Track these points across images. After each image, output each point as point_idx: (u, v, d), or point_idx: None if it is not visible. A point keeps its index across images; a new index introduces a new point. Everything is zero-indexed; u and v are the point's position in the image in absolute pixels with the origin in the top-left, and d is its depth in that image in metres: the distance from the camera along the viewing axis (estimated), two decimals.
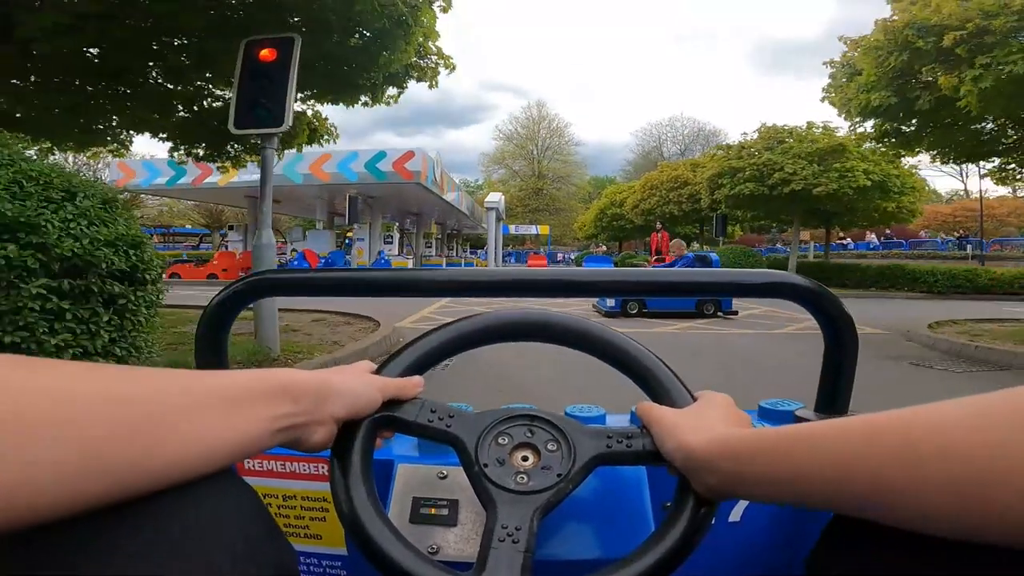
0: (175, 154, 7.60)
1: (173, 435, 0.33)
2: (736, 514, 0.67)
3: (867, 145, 7.95)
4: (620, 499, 0.63)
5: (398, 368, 0.55)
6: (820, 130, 15.50)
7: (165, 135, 7.16)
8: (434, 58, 6.18)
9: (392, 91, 6.67)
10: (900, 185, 14.85)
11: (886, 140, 7.52)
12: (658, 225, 14.49)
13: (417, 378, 0.54)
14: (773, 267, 1.05)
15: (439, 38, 5.96)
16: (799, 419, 0.68)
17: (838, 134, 15.11)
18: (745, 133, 17.23)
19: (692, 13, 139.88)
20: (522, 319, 0.59)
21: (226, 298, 0.64)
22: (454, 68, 6.32)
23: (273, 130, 4.25)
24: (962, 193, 48.14)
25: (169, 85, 6.04)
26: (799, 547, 0.65)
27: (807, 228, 19.37)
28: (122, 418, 0.31)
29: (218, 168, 8.07)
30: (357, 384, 0.48)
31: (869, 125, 7.52)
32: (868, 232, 34.32)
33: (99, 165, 25.40)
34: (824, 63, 7.63)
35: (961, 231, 35.18)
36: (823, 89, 7.73)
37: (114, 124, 7.14)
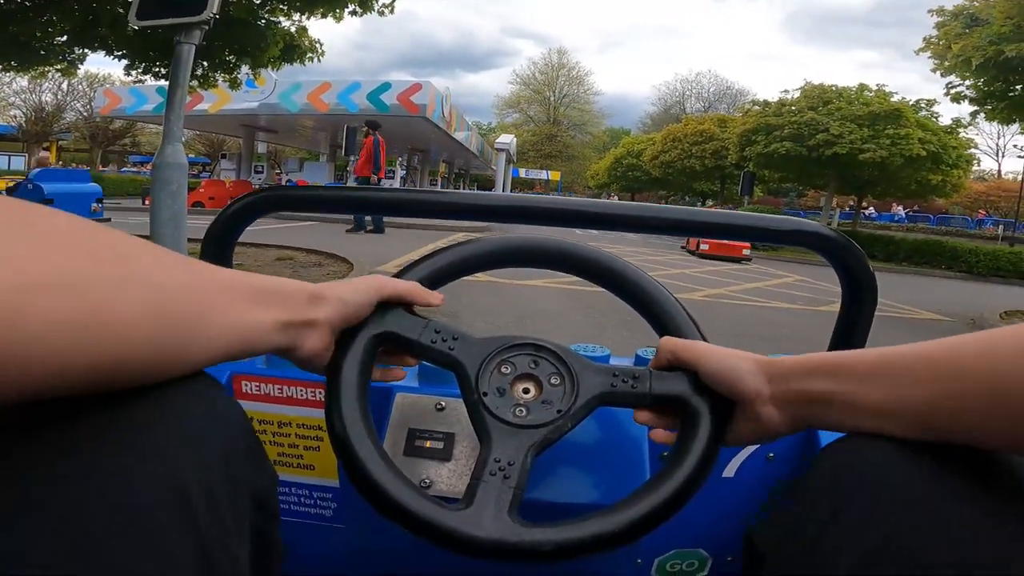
0: (133, 73, 6.40)
1: (209, 323, 0.34)
2: (731, 469, 0.66)
3: (963, 107, 6.69)
4: (618, 447, 0.62)
5: (414, 277, 0.53)
6: (873, 93, 14.00)
7: (121, 53, 5.95)
8: None
9: None
10: (955, 157, 13.47)
11: (991, 102, 6.37)
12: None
13: (437, 293, 0.51)
14: None
15: None
16: None
17: (893, 99, 13.65)
18: (786, 91, 15.69)
19: None
20: (540, 245, 0.58)
21: (235, 211, 0.63)
22: None
23: (189, 19, 3.08)
24: (994, 173, 46.37)
25: None
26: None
27: (839, 195, 18.08)
28: (129, 293, 0.30)
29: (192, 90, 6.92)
30: (349, 289, 0.46)
31: (967, 85, 6.36)
32: (894, 204, 32.91)
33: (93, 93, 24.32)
34: (929, 11, 6.47)
35: (985, 210, 33.77)
36: (924, 40, 6.62)
37: (55, 41, 5.92)
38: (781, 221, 0.64)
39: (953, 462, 0.34)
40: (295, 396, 0.66)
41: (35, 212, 0.28)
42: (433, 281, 0.54)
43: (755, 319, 5.60)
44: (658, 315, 0.55)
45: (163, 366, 0.32)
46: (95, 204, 8.58)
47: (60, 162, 32.39)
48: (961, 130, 13.87)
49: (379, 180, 9.97)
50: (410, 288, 0.49)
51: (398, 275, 0.53)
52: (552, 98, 56.68)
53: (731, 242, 9.48)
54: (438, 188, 29.46)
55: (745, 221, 0.65)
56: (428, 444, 0.60)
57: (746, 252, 11.25)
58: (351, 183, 10.16)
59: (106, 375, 0.29)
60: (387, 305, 0.49)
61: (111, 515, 0.26)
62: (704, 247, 11.17)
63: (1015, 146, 30.99)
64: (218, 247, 0.64)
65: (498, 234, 0.59)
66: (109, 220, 8.33)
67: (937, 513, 0.31)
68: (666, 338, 0.51)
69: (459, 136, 21.90)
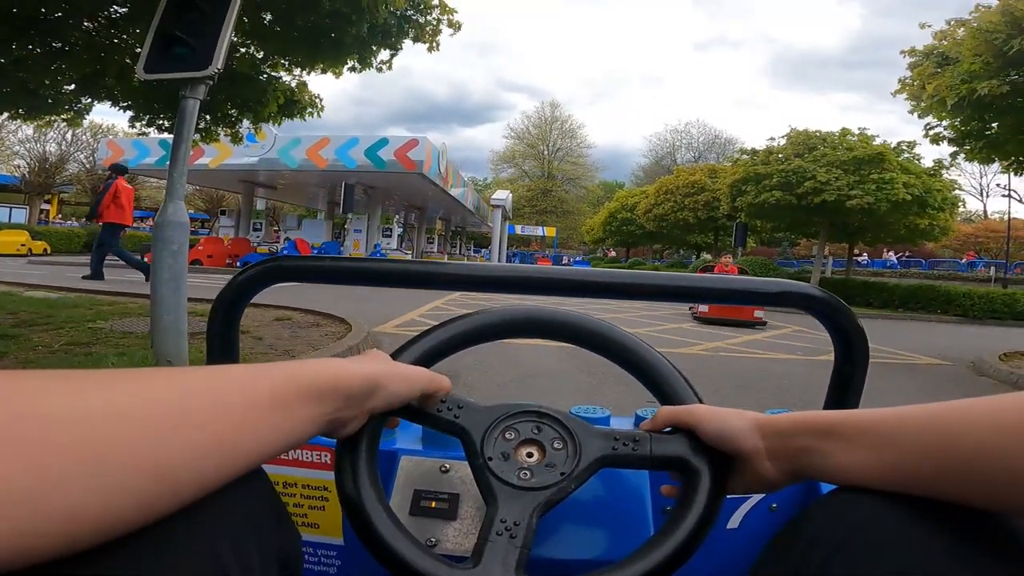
0: (137, 125, 6.55)
1: (234, 448, 0.33)
2: (735, 521, 0.67)
3: (943, 147, 6.84)
4: (621, 502, 0.63)
5: (411, 357, 0.54)
6: (856, 138, 14.36)
7: (127, 104, 6.12)
8: (436, 13, 5.11)
9: (385, 55, 5.62)
10: (940, 200, 13.71)
11: (969, 142, 6.49)
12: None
13: (446, 379, 0.52)
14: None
15: None
16: None
17: (875, 142, 14.01)
18: (772, 138, 16.08)
19: (710, 22, 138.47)
20: (538, 316, 0.59)
21: (242, 282, 0.63)
22: (459, 27, 5.26)
23: (194, 74, 3.16)
24: (980, 214, 47.23)
25: (105, 40, 4.96)
26: None
27: (831, 243, 18.28)
28: (189, 440, 0.31)
29: (194, 145, 7.06)
30: (404, 384, 0.47)
31: (944, 125, 6.49)
32: (885, 250, 33.30)
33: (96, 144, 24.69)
34: (901, 52, 6.64)
35: (974, 251, 34.16)
36: (899, 81, 6.73)
37: (63, 90, 6.09)
38: (769, 284, 0.65)
39: (940, 517, 0.35)
40: (301, 459, 0.68)
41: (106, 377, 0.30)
42: (432, 358, 0.56)
43: (759, 371, 5.57)
44: (655, 380, 0.56)
45: (215, 486, 0.33)
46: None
47: (60, 215, 32.67)
48: (943, 171, 14.13)
49: (97, 222, 9.62)
50: (437, 383, 0.50)
51: (400, 351, 0.55)
52: (546, 152, 58.08)
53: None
54: (435, 248, 29.71)
55: (733, 285, 0.66)
56: (433, 504, 0.62)
57: (759, 314, 9.29)
58: (100, 232, 9.65)
59: (170, 507, 0.30)
60: None
61: None
62: (703, 308, 9.31)
63: (998, 185, 31.61)
64: (227, 316, 0.65)
65: (497, 306, 0.61)
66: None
67: (921, 569, 0.32)
68: (663, 408, 0.53)
69: (455, 192, 22.25)
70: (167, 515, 0.30)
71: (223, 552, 0.31)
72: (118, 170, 9.72)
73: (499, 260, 28.24)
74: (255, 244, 18.97)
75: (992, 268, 25.79)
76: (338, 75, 5.88)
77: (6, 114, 6.72)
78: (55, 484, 0.25)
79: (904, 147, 14.42)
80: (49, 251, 22.05)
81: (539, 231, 48.84)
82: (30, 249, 20.36)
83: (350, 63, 5.66)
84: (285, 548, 0.38)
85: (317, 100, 6.66)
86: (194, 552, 0.30)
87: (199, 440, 0.31)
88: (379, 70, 5.86)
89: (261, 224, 21.39)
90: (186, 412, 0.31)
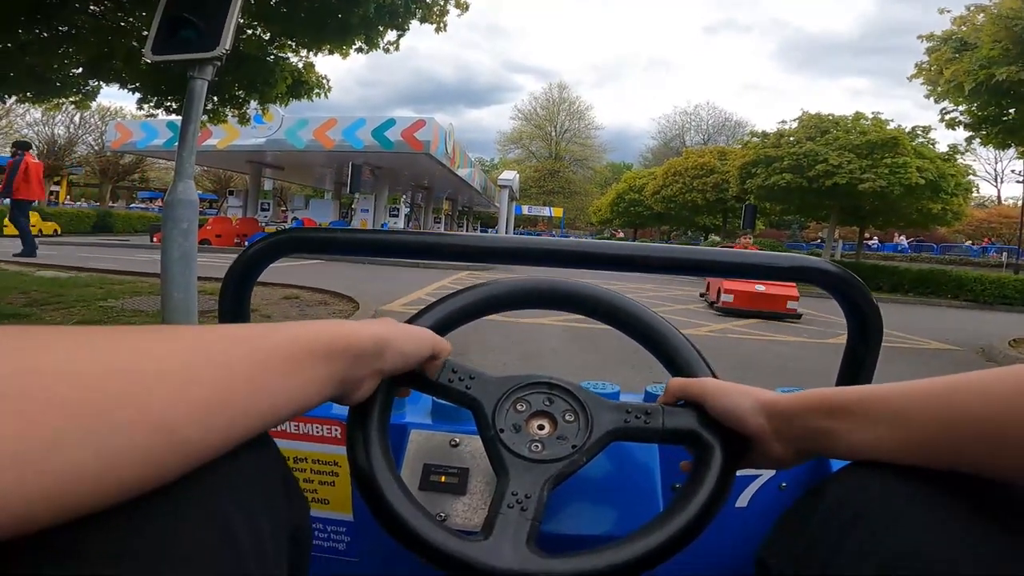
0: (145, 107, 6.53)
1: (243, 407, 0.32)
2: (744, 499, 0.67)
3: (959, 132, 6.74)
4: (631, 478, 0.63)
5: (428, 322, 0.53)
6: (869, 122, 14.15)
7: (135, 86, 6.10)
8: None
9: (391, 35, 5.55)
10: (953, 185, 13.53)
11: (985, 127, 6.39)
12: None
13: (447, 343, 0.51)
14: None
15: None
16: None
17: (890, 126, 13.80)
18: (784, 121, 15.88)
19: (719, 6, 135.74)
20: (552, 288, 0.59)
21: (253, 254, 0.63)
22: (466, 7, 5.19)
23: (203, 55, 3.14)
24: (994, 199, 46.61)
25: (112, 22, 4.93)
26: None
27: (842, 226, 18.13)
28: (196, 397, 0.30)
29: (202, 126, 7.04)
30: (412, 343, 0.46)
31: (960, 111, 6.38)
32: (896, 234, 32.97)
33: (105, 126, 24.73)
34: (919, 37, 6.50)
35: (989, 237, 33.78)
36: (916, 66, 6.62)
37: (70, 73, 6.07)
38: (784, 258, 0.64)
39: (955, 489, 0.34)
40: (311, 433, 0.68)
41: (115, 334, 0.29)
42: (446, 325, 0.55)
43: (765, 353, 5.57)
44: (668, 353, 0.56)
45: (223, 448, 0.32)
46: None
47: (69, 197, 32.83)
48: (958, 157, 13.94)
49: (4, 200, 9.50)
50: (444, 346, 0.50)
51: (413, 319, 0.55)
52: (553, 133, 57.59)
53: (770, 290, 7.62)
54: (442, 227, 29.68)
55: (748, 259, 0.66)
56: (443, 479, 0.62)
57: (793, 305, 7.76)
58: (12, 208, 9.59)
59: (178, 468, 0.29)
60: None
61: (161, 558, 0.27)
62: (727, 298, 7.89)
63: (1013, 171, 31.11)
64: (238, 288, 0.66)
65: (509, 276, 0.60)
66: None
67: (934, 542, 0.32)
68: (674, 379, 0.53)
69: (462, 173, 22.15)
70: (175, 477, 0.29)
71: (234, 520, 0.30)
72: (22, 146, 9.75)
73: None
74: (263, 224, 19.02)
75: (1004, 254, 25.52)
76: (345, 56, 5.82)
77: (14, 97, 6.72)
78: (52, 443, 0.23)
79: (919, 132, 14.21)
80: (60, 232, 22.23)
81: (546, 211, 48.64)
82: (41, 230, 20.51)
83: (357, 44, 5.60)
84: (295, 522, 0.38)
85: (324, 81, 6.62)
86: (204, 518, 0.29)
87: (205, 397, 0.30)
88: (386, 51, 5.80)
89: (269, 204, 21.42)
90: (192, 368, 0.30)
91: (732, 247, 8.39)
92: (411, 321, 0.54)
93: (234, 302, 0.66)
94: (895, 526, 0.33)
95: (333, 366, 0.39)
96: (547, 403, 0.51)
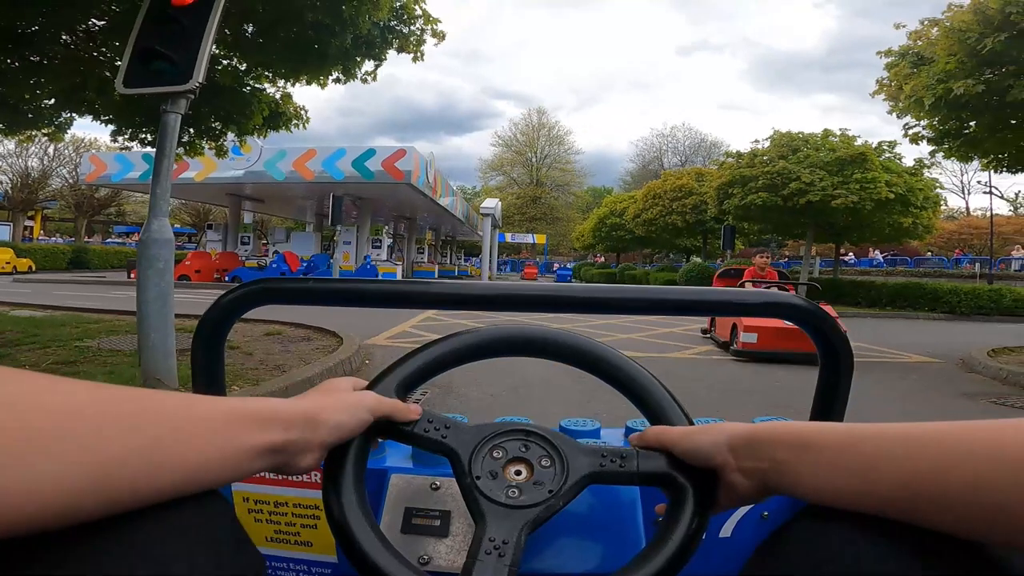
0: (119, 139, 6.50)
1: (170, 460, 0.34)
2: (727, 529, 0.67)
3: (923, 146, 6.91)
4: (612, 515, 0.63)
5: (391, 384, 0.54)
6: (838, 138, 14.52)
7: (108, 117, 6.06)
8: (419, 23, 5.12)
9: (369, 65, 5.62)
10: (922, 199, 13.88)
11: (947, 141, 6.54)
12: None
13: (415, 406, 0.53)
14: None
15: None
16: None
17: (856, 143, 14.17)
18: (756, 140, 16.21)
19: (692, 27, 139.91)
20: (522, 334, 0.59)
21: (223, 307, 0.63)
22: (443, 37, 5.28)
23: (176, 88, 3.13)
24: (962, 211, 47.85)
25: (84, 53, 4.92)
26: None
27: (818, 243, 18.43)
28: (127, 441, 0.32)
29: (178, 159, 6.98)
30: (345, 413, 0.47)
31: (922, 125, 6.54)
32: (871, 249, 33.59)
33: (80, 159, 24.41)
34: (878, 53, 6.67)
35: (961, 249, 34.57)
36: (877, 82, 6.77)
37: (43, 104, 6.03)
38: (753, 294, 0.66)
39: (911, 544, 0.34)
40: (290, 478, 0.68)
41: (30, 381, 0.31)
42: (408, 386, 0.56)
43: (745, 375, 5.59)
44: (643, 399, 0.56)
45: (151, 496, 0.34)
46: None
47: (43, 232, 32.26)
48: (925, 170, 14.32)
49: None
50: (395, 408, 0.51)
51: (378, 378, 0.55)
52: (534, 159, 58.17)
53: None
54: (424, 258, 29.49)
55: (717, 296, 0.66)
56: (425, 522, 0.62)
57: None
58: None
59: (101, 506, 0.31)
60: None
61: None
62: (749, 338, 6.14)
63: (979, 182, 31.96)
64: (211, 338, 0.65)
65: (483, 326, 0.61)
66: None
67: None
68: (635, 435, 0.54)
69: (444, 202, 22.23)
70: (99, 516, 0.30)
71: (174, 566, 0.32)
72: None
73: (490, 269, 28.15)
74: (243, 258, 18.85)
75: (977, 264, 26.10)
76: (323, 86, 5.86)
77: None
78: None
79: (885, 147, 14.61)
80: (34, 268, 21.76)
81: (529, 238, 48.89)
82: (15, 267, 20.14)
83: (334, 74, 5.66)
84: (247, 574, 0.38)
85: (302, 112, 6.65)
86: (142, 558, 0.31)
87: (139, 445, 0.32)
88: (364, 81, 5.87)
89: (249, 238, 21.30)
90: (129, 416, 0.32)
91: (745, 269, 7.59)
92: (375, 382, 0.54)
93: (208, 351, 0.65)
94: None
95: (264, 433, 0.40)
96: (523, 449, 0.51)
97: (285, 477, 0.67)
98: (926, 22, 6.40)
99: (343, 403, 0.48)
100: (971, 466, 0.32)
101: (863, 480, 0.37)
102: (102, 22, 4.68)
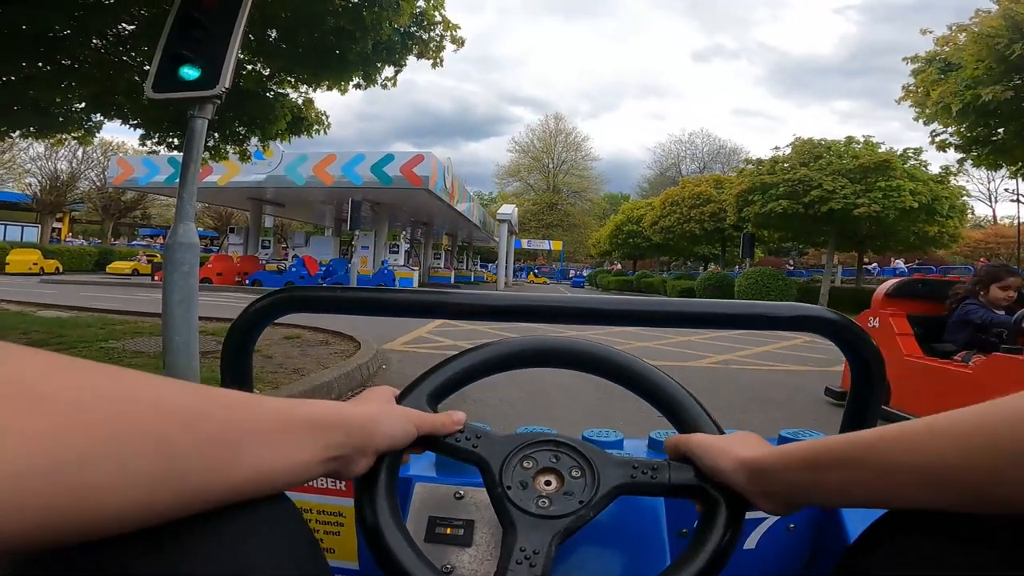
0: (147, 142, 6.63)
1: (243, 458, 0.33)
2: (752, 541, 0.67)
3: (950, 153, 6.78)
4: (637, 526, 0.63)
5: (423, 394, 0.55)
6: (861, 145, 14.33)
7: (136, 122, 6.20)
8: (439, 29, 5.17)
9: (389, 71, 5.67)
10: (948, 208, 13.63)
11: (975, 148, 6.41)
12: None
13: (459, 414, 0.53)
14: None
15: (444, 4, 4.96)
16: None
17: (880, 150, 13.97)
18: (777, 147, 16.08)
19: (707, 33, 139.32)
20: (551, 346, 0.60)
21: (251, 315, 0.64)
22: (462, 43, 5.31)
23: (202, 93, 3.18)
24: (989, 219, 46.92)
25: (114, 57, 5.03)
26: (813, 574, 0.68)
27: (840, 251, 18.18)
28: (204, 436, 0.31)
29: (203, 163, 7.10)
30: (397, 424, 0.48)
31: (950, 132, 6.41)
32: (893, 258, 33.06)
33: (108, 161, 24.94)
34: (904, 59, 6.57)
35: (987, 257, 33.86)
36: (903, 88, 6.67)
37: (73, 108, 6.18)
38: (782, 307, 0.64)
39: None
40: (314, 484, 0.69)
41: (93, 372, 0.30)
42: (438, 397, 0.56)
43: (769, 382, 5.52)
44: (673, 410, 0.57)
45: (223, 496, 0.33)
46: None
47: (71, 234, 32.99)
48: (951, 178, 14.07)
49: None
50: (435, 425, 0.52)
51: (411, 387, 0.56)
52: (551, 165, 58.29)
53: None
54: (441, 263, 29.55)
55: (745, 310, 0.65)
56: (449, 531, 0.63)
57: None
58: None
59: (173, 505, 0.30)
60: None
61: None
62: None
63: (1007, 190, 31.22)
64: (239, 350, 0.66)
65: (511, 337, 0.61)
66: None
67: None
68: (669, 437, 0.55)
69: (461, 207, 22.32)
70: (176, 514, 0.30)
71: (266, 569, 0.32)
72: None
73: (506, 275, 28.16)
74: (263, 262, 19.09)
75: None
76: (344, 91, 5.93)
77: (17, 132, 6.82)
78: (82, 461, 0.25)
79: (910, 154, 14.38)
80: (61, 269, 22.23)
81: (545, 245, 48.89)
82: (42, 268, 20.62)
83: (355, 80, 5.72)
84: None
85: (324, 117, 6.72)
86: (225, 563, 0.31)
87: (212, 438, 0.32)
88: (384, 87, 5.91)
89: (269, 241, 21.56)
90: (202, 413, 0.32)
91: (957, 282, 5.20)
92: (407, 391, 0.55)
93: (237, 357, 0.66)
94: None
95: (325, 438, 0.41)
96: (554, 459, 0.52)
97: (309, 484, 0.68)
98: (954, 27, 6.32)
99: (394, 413, 0.49)
100: (986, 440, 0.31)
101: (882, 485, 0.37)
102: (132, 27, 4.78)
